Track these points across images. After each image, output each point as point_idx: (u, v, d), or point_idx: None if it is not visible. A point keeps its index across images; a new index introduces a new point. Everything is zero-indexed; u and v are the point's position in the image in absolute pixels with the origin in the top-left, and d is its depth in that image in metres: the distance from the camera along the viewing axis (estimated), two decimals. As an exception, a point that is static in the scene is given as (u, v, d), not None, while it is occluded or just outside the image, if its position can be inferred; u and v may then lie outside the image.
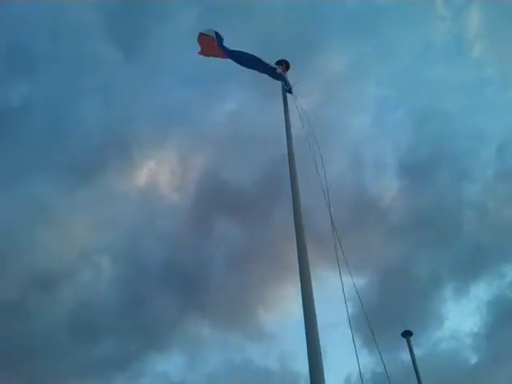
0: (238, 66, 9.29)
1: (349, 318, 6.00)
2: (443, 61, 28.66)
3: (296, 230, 6.54)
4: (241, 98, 25.98)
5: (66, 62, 26.69)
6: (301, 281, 5.94)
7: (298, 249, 6.32)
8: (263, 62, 9.09)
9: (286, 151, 7.81)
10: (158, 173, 27.57)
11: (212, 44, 9.16)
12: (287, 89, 8.85)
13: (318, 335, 5.43)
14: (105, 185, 25.41)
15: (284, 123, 8.22)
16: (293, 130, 8.16)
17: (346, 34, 26.33)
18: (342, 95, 26.84)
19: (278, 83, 9.08)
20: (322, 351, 5.42)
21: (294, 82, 9.14)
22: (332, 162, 24.50)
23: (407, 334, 13.01)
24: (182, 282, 24.01)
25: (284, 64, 9.27)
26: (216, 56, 9.30)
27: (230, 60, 9.29)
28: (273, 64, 9.15)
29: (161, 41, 25.75)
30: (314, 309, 5.66)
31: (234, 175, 23.06)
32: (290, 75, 9.22)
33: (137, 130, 25.72)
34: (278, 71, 8.92)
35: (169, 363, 26.49)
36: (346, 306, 6.04)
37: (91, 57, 26.19)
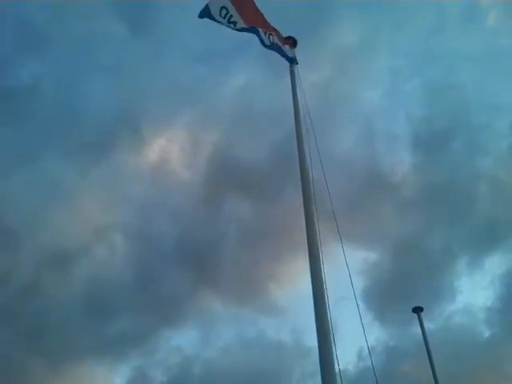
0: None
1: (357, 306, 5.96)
2: (457, 31, 28.13)
3: (304, 205, 6.55)
4: (250, 74, 25.82)
5: (75, 40, 26.68)
6: (309, 256, 5.96)
7: (306, 223, 6.34)
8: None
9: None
10: (169, 150, 27.67)
11: None
12: (290, 59, 8.72)
13: (326, 310, 5.46)
14: (116, 163, 25.57)
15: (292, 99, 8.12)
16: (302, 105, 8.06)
17: (358, 5, 25.88)
18: (354, 67, 26.59)
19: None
20: (334, 325, 5.43)
21: (302, 57, 9.02)
22: (344, 135, 24.43)
23: (418, 310, 12.90)
24: (195, 257, 24.25)
25: (291, 41, 9.12)
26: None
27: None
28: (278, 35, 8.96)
29: (170, 18, 25.59)
30: (322, 284, 5.69)
31: (245, 151, 23.03)
32: (297, 52, 9.09)
33: (147, 107, 25.78)
34: (274, 41, 8.73)
35: (183, 338, 26.95)
36: (353, 289, 6.00)
37: (101, 35, 26.17)
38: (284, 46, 8.91)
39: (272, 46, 8.78)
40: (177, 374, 22.75)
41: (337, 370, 5.09)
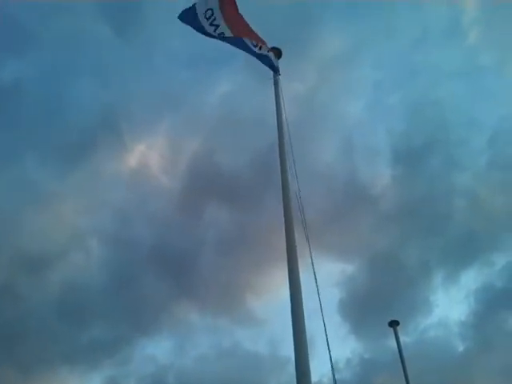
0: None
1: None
2: (439, 47, 28.54)
3: (285, 216, 6.51)
4: (235, 81, 25.86)
5: (59, 40, 26.46)
6: (288, 267, 5.93)
7: (286, 234, 6.31)
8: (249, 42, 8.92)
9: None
10: (150, 155, 27.50)
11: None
12: (274, 69, 8.76)
13: (303, 321, 5.43)
14: (95, 166, 25.31)
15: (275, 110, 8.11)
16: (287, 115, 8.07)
17: (342, 17, 26.16)
18: (338, 79, 26.80)
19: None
20: (311, 336, 5.43)
21: (287, 68, 9.04)
22: (325, 147, 24.57)
23: (394, 324, 12.97)
24: (172, 265, 24.08)
25: (276, 51, 9.13)
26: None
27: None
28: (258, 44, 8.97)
29: (157, 22, 25.49)
30: (300, 295, 5.66)
31: (226, 159, 23.02)
32: (282, 62, 9.10)
33: (129, 111, 25.60)
34: (261, 52, 8.77)
35: (158, 347, 26.56)
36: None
37: (86, 37, 25.97)
38: (269, 54, 8.92)
39: (259, 56, 8.80)
40: (150, 384, 22.46)
41: (314, 379, 5.09)
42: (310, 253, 6.27)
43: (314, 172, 21.12)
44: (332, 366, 5.44)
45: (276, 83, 8.67)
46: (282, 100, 8.29)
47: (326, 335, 5.62)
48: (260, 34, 9.29)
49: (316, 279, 6.04)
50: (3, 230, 22.28)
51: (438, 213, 23.93)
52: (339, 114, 26.32)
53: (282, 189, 6.86)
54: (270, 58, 8.83)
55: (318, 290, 5.93)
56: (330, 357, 5.51)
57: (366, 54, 27.91)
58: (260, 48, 8.84)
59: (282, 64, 9.14)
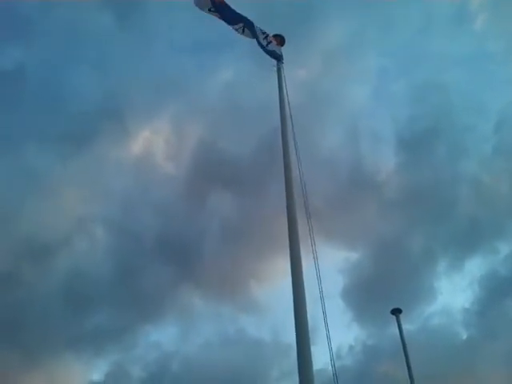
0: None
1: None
2: (445, 33, 28.27)
3: (287, 203, 6.52)
4: (237, 68, 25.73)
5: (61, 29, 26.34)
6: (290, 254, 5.96)
7: (288, 221, 6.32)
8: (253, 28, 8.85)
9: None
10: (153, 142, 27.42)
11: None
12: (277, 57, 8.69)
13: (305, 308, 5.45)
14: (99, 154, 25.26)
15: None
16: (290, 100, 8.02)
17: (347, 4, 25.89)
18: (342, 66, 26.62)
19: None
20: (314, 323, 5.44)
21: (291, 55, 9.01)
22: (330, 133, 24.47)
23: (396, 312, 12.96)
24: (176, 252, 24.10)
25: (279, 38, 9.05)
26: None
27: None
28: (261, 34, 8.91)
29: (156, 9, 25.33)
30: (302, 282, 5.68)
31: (230, 146, 22.96)
32: (285, 50, 9.04)
33: (132, 99, 25.52)
34: (263, 43, 8.71)
35: (162, 333, 26.64)
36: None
37: (87, 25, 25.82)
38: (271, 44, 8.85)
39: (264, 49, 8.75)
40: (155, 370, 22.58)
41: (317, 367, 5.11)
42: (312, 239, 6.24)
43: (319, 159, 21.13)
44: (332, 356, 5.45)
45: (279, 70, 8.60)
46: (284, 87, 8.24)
47: (326, 325, 5.62)
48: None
49: (318, 266, 6.02)
50: (7, 218, 22.35)
51: (443, 200, 23.87)
52: (344, 101, 26.24)
53: (285, 176, 6.86)
54: (275, 51, 8.78)
55: (319, 278, 5.90)
56: (330, 347, 5.50)
57: (371, 41, 27.75)
58: (267, 44, 8.81)
59: (286, 51, 9.12)
